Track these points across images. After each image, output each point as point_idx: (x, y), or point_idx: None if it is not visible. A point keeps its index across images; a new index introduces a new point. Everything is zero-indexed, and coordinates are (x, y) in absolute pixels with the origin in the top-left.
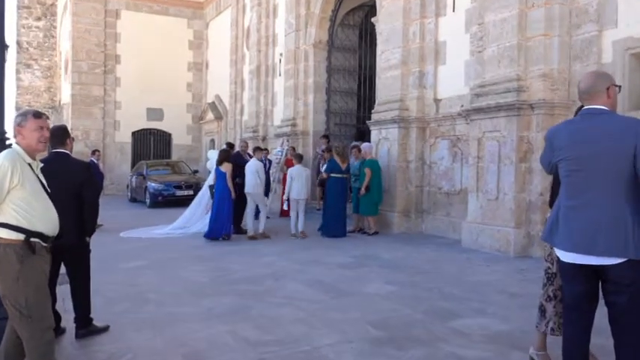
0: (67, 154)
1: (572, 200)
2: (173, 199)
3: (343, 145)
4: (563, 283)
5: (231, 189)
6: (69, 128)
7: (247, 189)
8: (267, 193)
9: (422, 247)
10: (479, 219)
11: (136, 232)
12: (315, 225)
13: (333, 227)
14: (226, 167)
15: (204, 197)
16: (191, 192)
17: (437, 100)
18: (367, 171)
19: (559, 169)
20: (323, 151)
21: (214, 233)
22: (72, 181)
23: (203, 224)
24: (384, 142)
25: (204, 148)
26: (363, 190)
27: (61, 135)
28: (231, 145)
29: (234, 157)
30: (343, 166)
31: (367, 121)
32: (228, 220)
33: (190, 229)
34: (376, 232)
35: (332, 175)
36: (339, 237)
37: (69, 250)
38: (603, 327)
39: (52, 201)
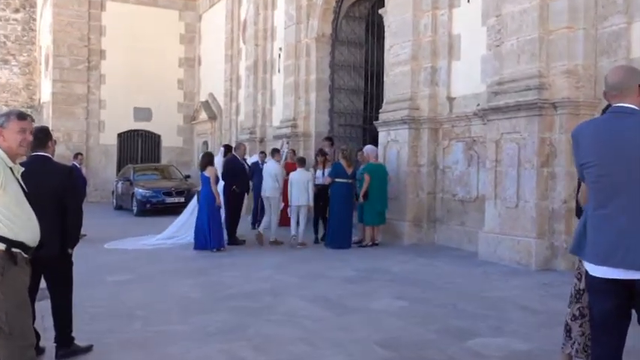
0: (49, 157)
1: (601, 209)
2: (162, 207)
3: (350, 148)
4: (592, 299)
5: (217, 195)
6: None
7: (266, 192)
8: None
9: (435, 259)
10: (497, 229)
11: (122, 242)
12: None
13: (337, 237)
14: (210, 172)
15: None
16: (182, 199)
17: (450, 99)
18: (365, 176)
19: (585, 174)
20: (317, 155)
21: (204, 243)
22: (53, 187)
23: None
24: (392, 144)
25: (197, 151)
26: (360, 198)
27: (42, 137)
28: (229, 148)
29: (229, 162)
30: (349, 171)
31: (374, 122)
32: (220, 230)
33: (182, 239)
34: (375, 244)
35: (337, 180)
36: (345, 248)
37: (50, 262)
38: (637, 348)
39: (32, 208)
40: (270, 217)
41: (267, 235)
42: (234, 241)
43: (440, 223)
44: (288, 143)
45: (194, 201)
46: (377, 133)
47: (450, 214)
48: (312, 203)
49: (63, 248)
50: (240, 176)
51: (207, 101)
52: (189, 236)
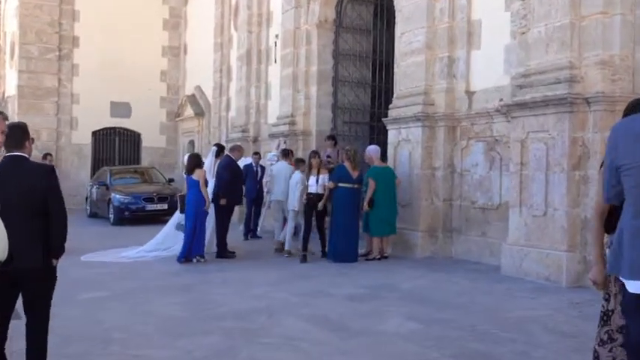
0: (26, 157)
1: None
2: (143, 215)
3: (354, 148)
4: (628, 320)
5: (207, 198)
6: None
7: (278, 196)
8: (258, 205)
9: (452, 274)
10: (522, 240)
11: (99, 255)
12: (316, 246)
13: (341, 250)
14: (199, 174)
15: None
16: (165, 206)
17: (470, 93)
18: (370, 182)
19: (623, 178)
20: (310, 156)
21: (189, 253)
22: (33, 190)
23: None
24: (404, 144)
25: (182, 152)
26: (365, 206)
27: (19, 136)
28: (221, 148)
29: (229, 163)
30: (354, 174)
31: (383, 119)
32: (202, 237)
33: (166, 251)
34: (383, 257)
35: (340, 184)
36: (349, 262)
37: (29, 276)
38: None
39: (8, 215)
40: (288, 225)
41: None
42: (223, 252)
43: (457, 234)
44: (285, 143)
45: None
46: (386, 131)
47: (469, 223)
48: (297, 208)
49: (45, 260)
50: (242, 182)
51: (193, 95)
52: (174, 248)
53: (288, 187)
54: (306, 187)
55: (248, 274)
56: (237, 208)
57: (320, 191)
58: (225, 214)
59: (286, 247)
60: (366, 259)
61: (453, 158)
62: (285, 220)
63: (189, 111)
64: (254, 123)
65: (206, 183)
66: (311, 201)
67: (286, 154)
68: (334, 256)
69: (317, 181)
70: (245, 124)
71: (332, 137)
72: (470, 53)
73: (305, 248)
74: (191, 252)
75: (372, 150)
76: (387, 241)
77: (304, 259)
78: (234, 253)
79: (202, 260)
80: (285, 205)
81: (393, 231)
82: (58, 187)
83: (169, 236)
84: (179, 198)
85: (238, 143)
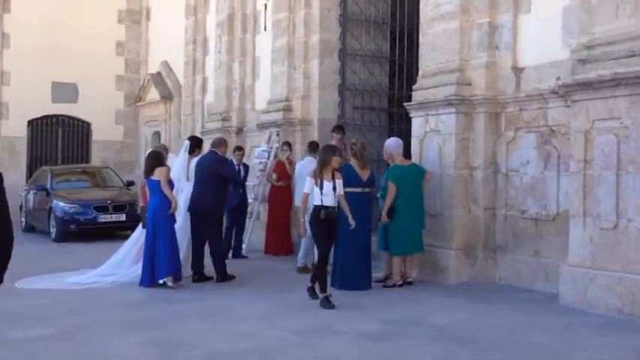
0: None
1: None
2: (94, 229)
3: (362, 142)
4: None
5: (173, 199)
6: None
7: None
8: (242, 215)
9: (495, 305)
10: (587, 260)
11: (39, 280)
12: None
13: (350, 274)
14: (160, 173)
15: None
16: (122, 216)
17: (517, 70)
18: (390, 185)
19: None
20: (326, 153)
21: (154, 276)
22: None
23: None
24: (432, 136)
25: (145, 147)
26: (384, 216)
27: None
28: (197, 142)
29: (222, 165)
30: (364, 175)
31: (405, 104)
32: (176, 252)
33: (126, 275)
34: (407, 283)
35: (347, 189)
36: (362, 289)
37: None
38: None
39: None
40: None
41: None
42: (199, 274)
43: (502, 253)
44: (278, 135)
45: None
46: (409, 119)
47: (518, 238)
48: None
49: None
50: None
51: (159, 74)
52: (135, 272)
53: None
54: (305, 195)
55: (231, 305)
56: None
57: (335, 204)
58: (214, 225)
59: (299, 264)
60: (384, 286)
61: (497, 154)
62: None
63: (153, 94)
64: (237, 109)
65: (173, 185)
66: (329, 217)
67: (314, 147)
68: (340, 282)
69: (334, 188)
70: (226, 110)
71: (340, 128)
72: (517, 18)
73: (325, 287)
74: (156, 273)
75: (392, 144)
76: (412, 262)
77: (328, 304)
78: (210, 277)
79: (174, 285)
80: None
81: (419, 248)
82: (3, 190)
83: (130, 256)
84: (141, 210)
85: (221, 136)
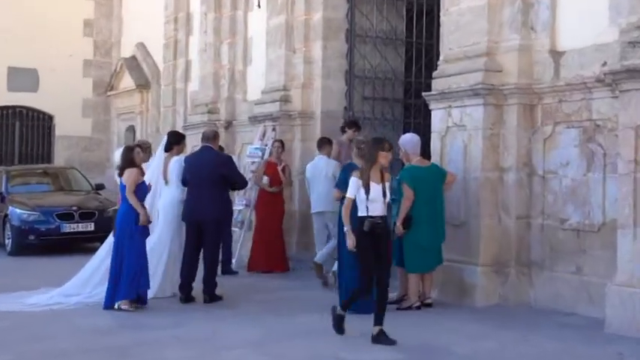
0: None
1: None
2: (57, 240)
3: (368, 139)
4: None
5: (139, 209)
6: None
7: (320, 207)
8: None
9: (531, 332)
10: (638, 279)
11: None
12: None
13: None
14: (127, 176)
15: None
16: (91, 226)
17: (556, 54)
18: (405, 190)
19: None
20: (374, 148)
21: (120, 295)
22: None
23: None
24: (456, 132)
25: (117, 143)
26: (398, 227)
27: None
28: (176, 137)
29: (227, 165)
30: None
31: (424, 93)
32: (143, 271)
33: (94, 295)
34: (425, 304)
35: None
36: (371, 311)
37: None
38: None
39: None
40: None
41: (326, 267)
42: (186, 293)
43: (539, 270)
44: (274, 130)
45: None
46: (428, 112)
47: (557, 253)
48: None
49: None
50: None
51: (134, 57)
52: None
53: (331, 190)
54: (349, 200)
55: (218, 330)
56: None
57: (336, 198)
58: (217, 237)
59: (317, 259)
60: (398, 308)
61: (532, 153)
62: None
63: (127, 81)
64: (226, 100)
65: (146, 189)
66: (377, 230)
67: (325, 144)
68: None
69: (383, 193)
70: (213, 101)
71: (354, 124)
72: None
73: (381, 320)
74: (117, 294)
75: (408, 141)
76: (431, 281)
77: (389, 340)
78: (221, 296)
79: (129, 308)
80: (329, 219)
81: (437, 262)
82: None
83: (98, 272)
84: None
85: (213, 128)
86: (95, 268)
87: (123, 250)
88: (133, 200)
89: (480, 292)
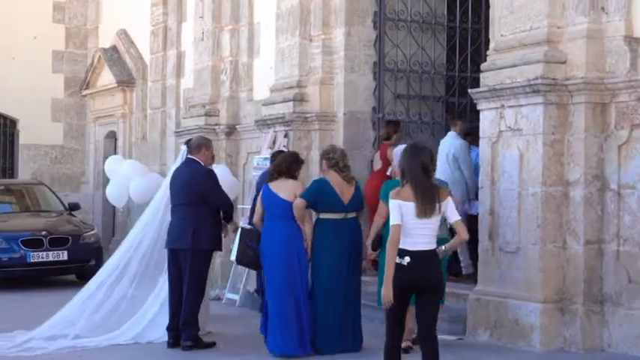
0: None
1: None
2: (24, 272)
3: (339, 149)
4: None
5: (309, 227)
6: None
7: None
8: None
9: None
10: None
11: None
12: None
13: (331, 330)
14: (295, 188)
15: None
16: (63, 254)
17: (633, 41)
18: (380, 206)
19: None
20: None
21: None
22: None
23: (128, 329)
24: (509, 137)
25: (96, 153)
26: (367, 246)
27: None
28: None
29: (212, 173)
30: (346, 195)
31: (471, 90)
32: None
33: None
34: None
35: (322, 216)
36: (349, 351)
37: None
38: None
39: None
40: None
41: None
42: (198, 342)
43: (614, 307)
44: (286, 137)
45: (120, 255)
46: (477, 113)
47: (637, 285)
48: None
49: None
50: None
51: (114, 48)
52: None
53: None
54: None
55: None
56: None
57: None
58: (198, 269)
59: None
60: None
61: (604, 164)
62: None
63: (106, 77)
64: (228, 99)
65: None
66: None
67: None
68: (322, 342)
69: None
70: (211, 100)
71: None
72: None
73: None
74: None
75: (397, 155)
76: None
77: None
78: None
79: None
80: None
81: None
82: None
83: (84, 307)
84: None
85: (201, 135)
86: (83, 301)
87: (296, 280)
88: (307, 218)
89: (539, 334)
